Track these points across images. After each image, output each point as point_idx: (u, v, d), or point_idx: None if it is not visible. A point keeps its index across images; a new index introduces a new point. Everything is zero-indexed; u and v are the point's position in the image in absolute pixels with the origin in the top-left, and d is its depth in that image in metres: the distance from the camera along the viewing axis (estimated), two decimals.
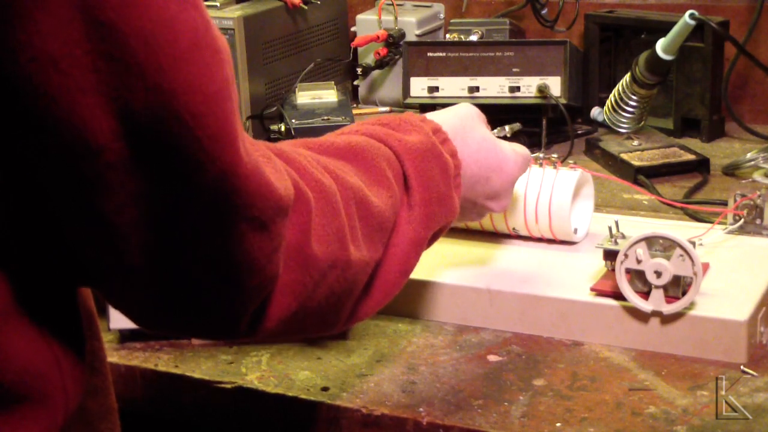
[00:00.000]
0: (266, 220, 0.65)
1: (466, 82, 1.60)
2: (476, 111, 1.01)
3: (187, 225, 0.63)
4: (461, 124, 0.97)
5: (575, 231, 1.18)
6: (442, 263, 1.14)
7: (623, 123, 1.61)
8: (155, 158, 0.60)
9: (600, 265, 1.07)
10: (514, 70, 1.58)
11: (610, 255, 1.04)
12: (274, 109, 1.66)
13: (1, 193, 0.61)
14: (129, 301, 0.69)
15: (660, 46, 1.52)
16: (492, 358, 1.02)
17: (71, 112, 0.58)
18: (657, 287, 1.00)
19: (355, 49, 1.87)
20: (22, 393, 0.65)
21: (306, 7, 1.79)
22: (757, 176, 1.46)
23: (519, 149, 1.03)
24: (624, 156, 1.51)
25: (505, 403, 0.94)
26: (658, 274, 1.00)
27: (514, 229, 1.19)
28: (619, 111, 1.60)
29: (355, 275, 0.79)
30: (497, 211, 1.02)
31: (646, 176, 1.46)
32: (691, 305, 1.01)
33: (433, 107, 1.62)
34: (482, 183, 0.98)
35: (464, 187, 0.94)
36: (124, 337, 1.08)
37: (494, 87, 1.59)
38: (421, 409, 0.94)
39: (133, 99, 0.58)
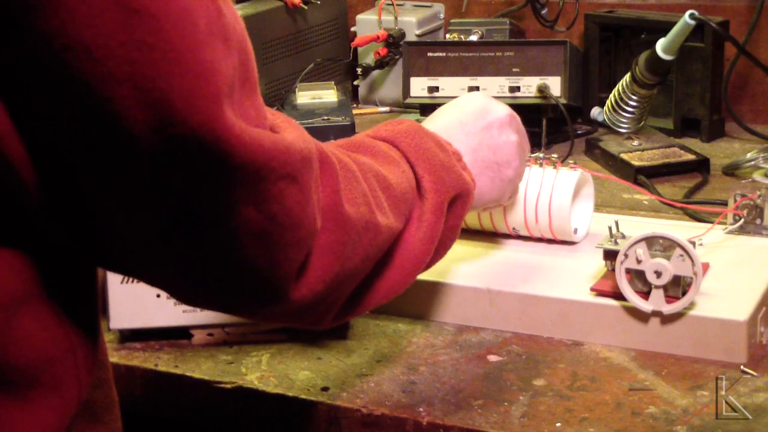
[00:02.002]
0: (295, 174, 0.68)
1: (466, 82, 1.60)
2: (456, 101, 1.04)
3: (228, 198, 0.64)
4: (440, 118, 1.00)
5: (575, 231, 1.18)
6: (443, 263, 1.13)
7: (623, 123, 1.61)
8: (189, 144, 0.61)
9: (600, 265, 1.07)
10: (514, 70, 1.58)
11: (610, 255, 1.04)
12: (274, 109, 1.66)
13: (32, 176, 0.62)
14: (174, 282, 0.70)
15: (660, 46, 1.52)
16: (492, 358, 1.02)
17: (106, 102, 0.59)
18: (657, 287, 1.00)
19: (355, 49, 1.87)
20: (36, 378, 0.66)
21: (306, 7, 1.79)
22: (757, 176, 1.46)
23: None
24: (624, 156, 1.51)
25: (505, 403, 0.94)
26: (658, 274, 1.00)
27: (514, 229, 1.19)
28: (619, 111, 1.60)
29: (384, 241, 0.81)
30: (511, 151, 1.01)
31: (646, 176, 1.46)
32: (691, 305, 1.01)
33: (433, 107, 1.62)
34: (486, 141, 1.00)
35: (476, 160, 0.97)
36: (124, 337, 1.08)
37: (494, 87, 1.59)
38: (421, 409, 0.94)
39: (168, 87, 0.60)
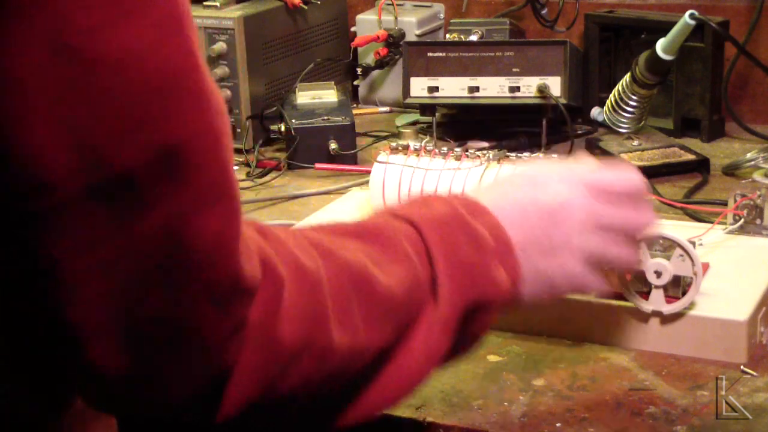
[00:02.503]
0: (222, 297, 0.62)
1: (466, 82, 1.59)
2: (535, 169, 0.90)
3: (137, 278, 0.59)
4: (507, 192, 0.86)
5: None
6: None
7: (623, 123, 1.61)
8: (112, 199, 0.57)
9: None
10: (514, 70, 1.58)
11: None
12: (274, 109, 1.66)
13: None
14: (77, 376, 0.65)
15: (660, 46, 1.52)
16: (492, 358, 1.02)
17: (27, 139, 0.55)
18: (657, 287, 1.00)
19: (355, 49, 1.87)
20: None
21: (306, 7, 1.79)
22: (757, 176, 1.45)
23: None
24: (624, 156, 1.51)
25: (505, 403, 0.94)
26: (658, 274, 1.00)
27: None
28: (619, 111, 1.60)
29: (344, 362, 0.71)
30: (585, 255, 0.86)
31: (646, 176, 1.45)
32: (691, 305, 1.01)
33: (433, 107, 1.63)
34: (541, 242, 0.84)
35: (525, 256, 0.83)
36: None
37: (494, 87, 1.59)
38: (421, 409, 0.94)
39: (96, 132, 0.56)
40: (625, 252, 0.88)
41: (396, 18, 1.84)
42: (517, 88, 1.58)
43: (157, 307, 0.61)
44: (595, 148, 1.58)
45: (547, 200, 0.85)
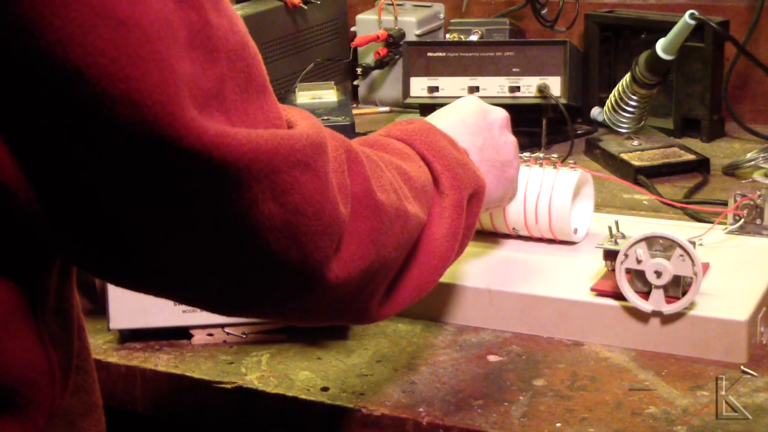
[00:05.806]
0: (308, 160, 0.67)
1: (466, 82, 1.60)
2: (454, 104, 1.04)
3: (241, 200, 0.64)
4: (442, 119, 0.99)
5: (575, 231, 1.18)
6: None
7: (623, 123, 1.61)
8: (192, 155, 0.61)
9: (600, 265, 1.07)
10: (514, 70, 1.58)
11: (610, 255, 1.04)
12: None
13: (32, 197, 0.61)
14: (198, 291, 0.69)
15: (660, 46, 1.53)
16: (492, 358, 1.02)
17: (106, 122, 0.58)
18: (657, 287, 1.00)
19: (355, 49, 1.87)
20: (12, 399, 0.65)
21: (306, 7, 1.79)
22: (757, 176, 1.45)
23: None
24: (624, 156, 1.51)
25: (505, 403, 0.94)
26: (658, 274, 1.00)
27: (514, 229, 1.19)
28: (619, 111, 1.61)
29: (414, 228, 0.81)
30: (512, 151, 1.04)
31: (646, 176, 1.46)
32: (691, 305, 1.01)
33: (432, 107, 1.62)
34: (489, 141, 1.00)
35: (482, 159, 0.98)
36: (124, 337, 1.08)
37: (494, 87, 1.59)
38: (421, 409, 0.94)
39: (161, 99, 0.59)
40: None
41: (396, 18, 1.84)
42: (517, 88, 1.58)
43: (272, 217, 0.66)
44: (595, 148, 1.58)
45: (474, 111, 1.02)
